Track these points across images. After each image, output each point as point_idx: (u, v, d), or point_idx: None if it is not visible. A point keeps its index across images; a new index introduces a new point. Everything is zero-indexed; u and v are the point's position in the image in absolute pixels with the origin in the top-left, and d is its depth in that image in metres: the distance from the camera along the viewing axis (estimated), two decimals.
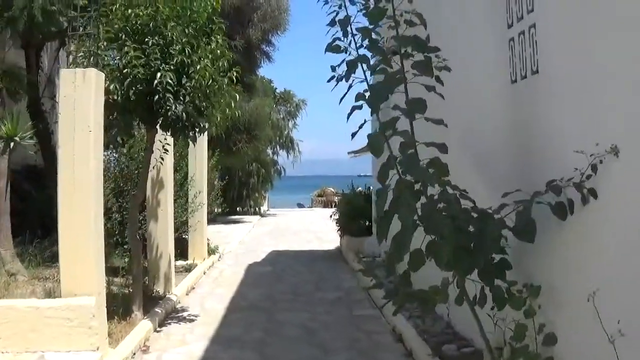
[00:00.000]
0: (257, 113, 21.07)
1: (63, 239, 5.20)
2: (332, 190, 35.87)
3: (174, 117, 6.44)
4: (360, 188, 16.12)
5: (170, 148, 8.52)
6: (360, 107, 3.98)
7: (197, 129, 6.77)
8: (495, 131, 5.01)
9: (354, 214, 12.72)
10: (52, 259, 9.21)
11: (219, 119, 6.89)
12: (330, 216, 13.74)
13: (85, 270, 5.23)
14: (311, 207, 35.79)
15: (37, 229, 10.25)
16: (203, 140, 11.82)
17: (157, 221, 8.40)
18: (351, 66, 4.03)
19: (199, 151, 11.74)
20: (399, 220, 4.01)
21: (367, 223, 12.95)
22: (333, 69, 4.03)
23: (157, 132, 7.01)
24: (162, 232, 8.43)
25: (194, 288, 9.42)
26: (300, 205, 38.31)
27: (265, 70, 38.91)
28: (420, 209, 4.06)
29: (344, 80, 4.07)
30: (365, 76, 4.04)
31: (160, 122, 6.64)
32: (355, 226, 12.72)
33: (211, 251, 12.42)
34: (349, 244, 12.78)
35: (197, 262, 11.26)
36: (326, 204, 34.80)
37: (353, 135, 4.03)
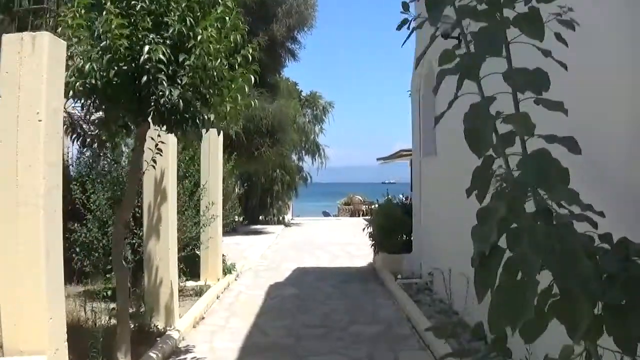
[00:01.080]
0: (281, 115, 19.51)
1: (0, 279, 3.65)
2: (360, 198, 34.22)
3: (169, 106, 4.89)
4: (396, 197, 14.53)
5: (173, 149, 6.97)
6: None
7: (200, 123, 5.18)
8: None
9: (391, 227, 11.07)
10: None
11: (228, 109, 5.28)
12: (363, 229, 12.08)
13: (34, 320, 3.68)
14: (337, 216, 34.13)
15: None
16: (218, 142, 10.29)
17: (158, 239, 6.85)
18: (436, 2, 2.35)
19: (213, 154, 10.20)
20: (513, 264, 2.38)
21: (405, 238, 11.31)
22: (405, 6, 2.36)
23: (148, 127, 5.45)
24: (163, 253, 6.87)
25: (203, 318, 7.85)
26: (325, 214, 36.68)
27: (290, 71, 37.14)
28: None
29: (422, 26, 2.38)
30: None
31: (150, 112, 5.07)
32: (393, 241, 11.07)
33: (227, 270, 10.86)
34: (385, 261, 11.13)
35: (210, 283, 9.73)
36: (353, 213, 33.14)
37: (437, 119, 2.39)
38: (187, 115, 5.10)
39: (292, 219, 27.98)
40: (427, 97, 10.16)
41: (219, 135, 9.64)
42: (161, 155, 5.90)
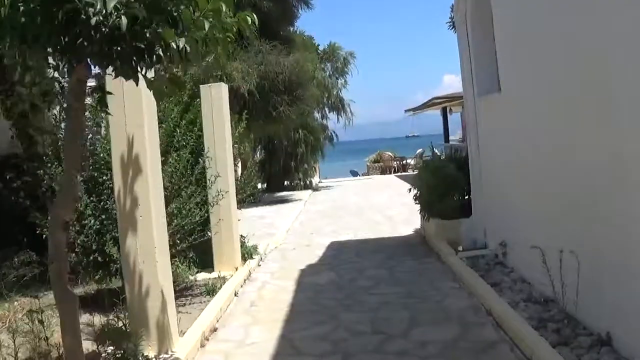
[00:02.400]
0: (298, 69, 17.33)
1: None
2: (390, 154, 32.06)
3: (105, 30, 2.89)
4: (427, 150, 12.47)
5: (149, 104, 4.95)
6: None
7: (156, 57, 3.16)
8: None
9: (444, 187, 8.98)
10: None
11: (207, 27, 3.21)
12: (410, 190, 9.99)
13: None
14: (367, 174, 32.01)
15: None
16: (221, 100, 8.25)
17: (135, 233, 4.89)
18: None
19: (218, 115, 8.17)
20: None
21: (461, 199, 9.26)
22: None
23: (87, 73, 3.42)
24: (147, 252, 4.92)
25: (215, 330, 5.92)
26: (354, 173, 34.58)
27: (304, 23, 33.50)
28: None
29: None
30: None
31: (81, 44, 3.05)
32: (446, 204, 9.00)
33: (247, 254, 8.92)
34: (439, 229, 9.09)
35: (225, 274, 7.86)
36: (384, 170, 31.05)
37: None
38: (140, 44, 3.10)
39: (320, 182, 25.99)
40: (479, 22, 7.99)
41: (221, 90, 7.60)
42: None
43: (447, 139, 27.05)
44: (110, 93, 3.76)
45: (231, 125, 9.23)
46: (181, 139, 7.24)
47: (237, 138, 9.40)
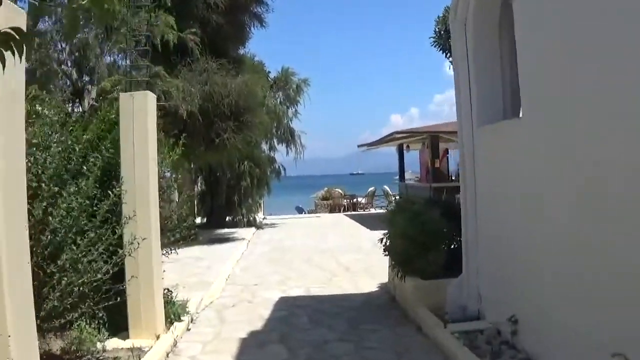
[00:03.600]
0: (247, 93, 15.48)
1: None
2: (340, 191, 30.35)
3: None
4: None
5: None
6: None
7: None
8: None
9: (425, 239, 7.20)
10: None
11: None
12: (381, 240, 8.16)
13: None
14: (315, 211, 30.06)
15: None
16: (146, 113, 6.30)
17: None
18: None
19: (140, 134, 6.21)
20: None
21: (446, 250, 7.51)
22: None
23: None
24: None
25: None
26: (299, 210, 32.58)
27: (255, 44, 30.52)
28: None
29: None
30: None
31: None
32: (427, 261, 7.24)
33: (174, 314, 6.89)
34: (418, 291, 7.28)
35: (142, 343, 5.86)
36: (333, 208, 29.24)
37: None
38: None
39: (264, 219, 23.93)
40: (485, 30, 6.36)
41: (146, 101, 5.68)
42: None
43: (402, 178, 25.57)
44: None
45: (165, 150, 7.34)
46: (80, 162, 5.26)
47: (169, 165, 7.41)
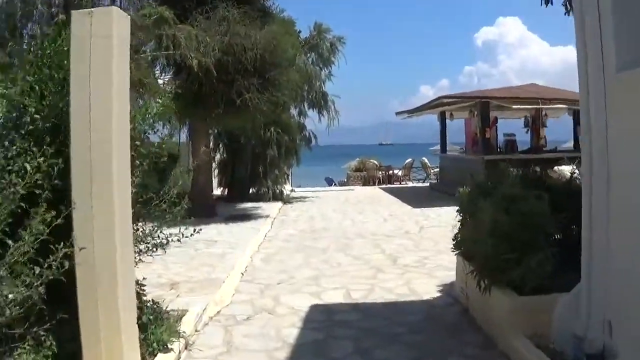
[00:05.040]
0: (274, 46, 13.14)
1: None
2: (375, 163, 27.92)
3: None
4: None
5: None
6: None
7: None
8: None
9: (526, 235, 4.90)
10: None
11: None
12: (454, 239, 5.90)
13: None
14: (347, 184, 27.70)
15: None
16: (111, 44, 4.04)
17: None
18: None
19: (98, 74, 3.96)
20: None
21: (552, 255, 5.18)
22: None
23: None
24: None
25: None
26: (329, 181, 30.28)
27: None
28: None
29: None
30: None
31: None
32: (529, 266, 4.94)
33: (157, 342, 4.72)
34: (515, 313, 4.98)
35: None
36: (367, 181, 26.89)
37: None
38: None
39: (291, 191, 21.69)
40: None
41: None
42: None
43: (444, 149, 23.13)
44: None
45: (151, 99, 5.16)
46: None
47: (155, 118, 5.12)
